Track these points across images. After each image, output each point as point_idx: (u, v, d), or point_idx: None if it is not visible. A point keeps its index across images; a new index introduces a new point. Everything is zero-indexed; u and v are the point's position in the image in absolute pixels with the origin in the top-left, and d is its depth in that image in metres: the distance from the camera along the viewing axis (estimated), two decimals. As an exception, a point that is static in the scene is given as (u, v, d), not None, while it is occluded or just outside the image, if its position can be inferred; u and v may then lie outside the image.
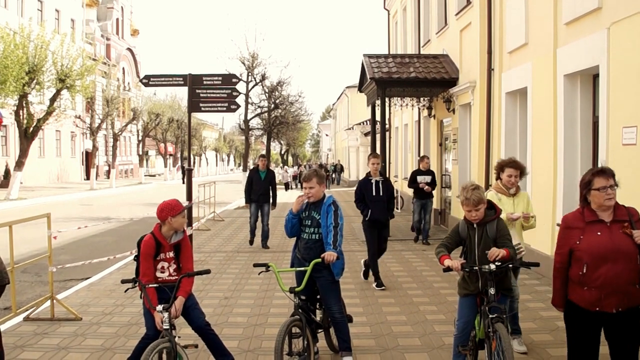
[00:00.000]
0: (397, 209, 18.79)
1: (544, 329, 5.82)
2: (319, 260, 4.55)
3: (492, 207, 4.26)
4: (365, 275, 8.24)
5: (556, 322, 6.05)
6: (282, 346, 4.22)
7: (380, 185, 7.98)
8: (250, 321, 6.23)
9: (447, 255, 4.14)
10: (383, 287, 7.64)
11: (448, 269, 4.07)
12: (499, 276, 4.14)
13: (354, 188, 8.77)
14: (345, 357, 4.82)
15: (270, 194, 11.41)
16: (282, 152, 59.16)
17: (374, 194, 7.92)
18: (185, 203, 4.49)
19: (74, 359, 5.12)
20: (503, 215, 4.76)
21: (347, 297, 6.59)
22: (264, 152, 39.32)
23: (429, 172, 11.74)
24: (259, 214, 11.42)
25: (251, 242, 11.53)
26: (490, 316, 3.99)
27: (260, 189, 11.35)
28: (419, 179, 11.66)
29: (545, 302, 6.86)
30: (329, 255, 4.52)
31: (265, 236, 11.35)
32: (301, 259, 4.86)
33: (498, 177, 5.34)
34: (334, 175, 43.30)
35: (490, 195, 5.14)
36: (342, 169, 44.96)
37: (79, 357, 5.14)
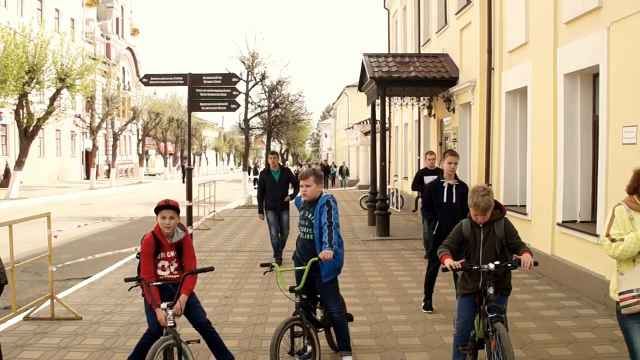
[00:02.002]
0: (397, 208, 18.81)
1: (544, 329, 5.82)
2: (316, 259, 4.54)
3: (497, 206, 4.26)
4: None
5: (556, 321, 6.06)
6: (278, 344, 4.23)
7: (454, 191, 6.42)
8: (250, 320, 6.23)
9: (449, 255, 4.14)
10: (430, 311, 6.47)
11: (447, 269, 4.07)
12: (499, 276, 4.15)
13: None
14: (345, 356, 4.82)
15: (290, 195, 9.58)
16: (282, 152, 59.22)
17: (445, 200, 6.39)
18: (184, 202, 4.49)
19: (74, 358, 5.12)
20: (632, 236, 3.53)
21: (347, 296, 6.59)
22: (264, 151, 38.90)
23: (438, 172, 9.08)
24: (279, 223, 9.56)
25: (279, 259, 9.31)
26: (490, 315, 3.99)
27: (275, 193, 9.48)
28: (426, 180, 9.11)
29: (545, 302, 6.87)
30: (326, 254, 4.47)
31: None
32: (299, 258, 4.88)
33: (634, 191, 3.74)
34: (340, 178, 40.76)
35: (619, 210, 3.69)
36: (347, 172, 40.47)
37: (79, 357, 5.14)
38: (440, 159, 7.27)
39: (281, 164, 10.04)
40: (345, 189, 33.84)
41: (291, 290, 4.51)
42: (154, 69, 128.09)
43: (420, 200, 10.01)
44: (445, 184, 6.49)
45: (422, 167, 11.53)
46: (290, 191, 9.65)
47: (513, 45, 9.76)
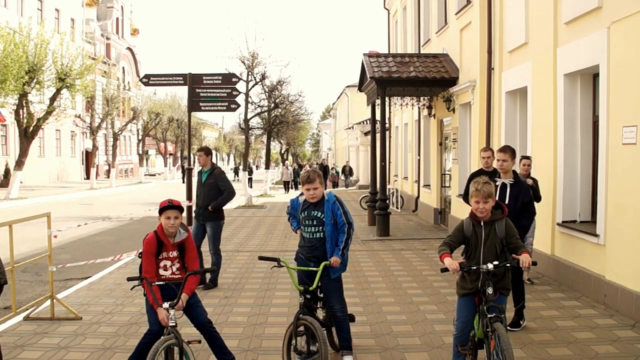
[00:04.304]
0: (397, 208, 18.80)
1: (544, 329, 5.82)
2: (328, 262, 4.61)
3: (499, 206, 4.26)
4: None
5: (556, 321, 6.06)
6: (290, 343, 4.34)
7: (508, 190, 5.68)
8: (250, 320, 6.24)
9: (449, 254, 4.13)
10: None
11: (445, 270, 4.07)
12: (498, 276, 4.15)
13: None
14: (346, 356, 4.83)
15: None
16: (282, 152, 59.26)
17: None
18: (184, 202, 4.50)
19: (74, 358, 5.12)
20: None
21: (347, 296, 6.57)
22: (264, 151, 38.84)
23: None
24: (204, 236, 8.04)
25: (211, 281, 7.80)
26: (489, 315, 3.99)
27: (198, 199, 7.91)
28: None
29: (545, 302, 6.87)
30: (335, 261, 4.62)
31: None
32: (304, 259, 4.85)
33: None
34: (343, 178, 38.27)
35: None
36: (351, 171, 37.60)
37: (79, 357, 5.14)
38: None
39: (213, 162, 8.04)
40: (346, 190, 33.80)
41: (305, 290, 4.55)
42: (154, 69, 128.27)
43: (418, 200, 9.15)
44: (498, 183, 5.72)
45: (475, 169, 8.98)
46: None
47: (513, 45, 9.76)
